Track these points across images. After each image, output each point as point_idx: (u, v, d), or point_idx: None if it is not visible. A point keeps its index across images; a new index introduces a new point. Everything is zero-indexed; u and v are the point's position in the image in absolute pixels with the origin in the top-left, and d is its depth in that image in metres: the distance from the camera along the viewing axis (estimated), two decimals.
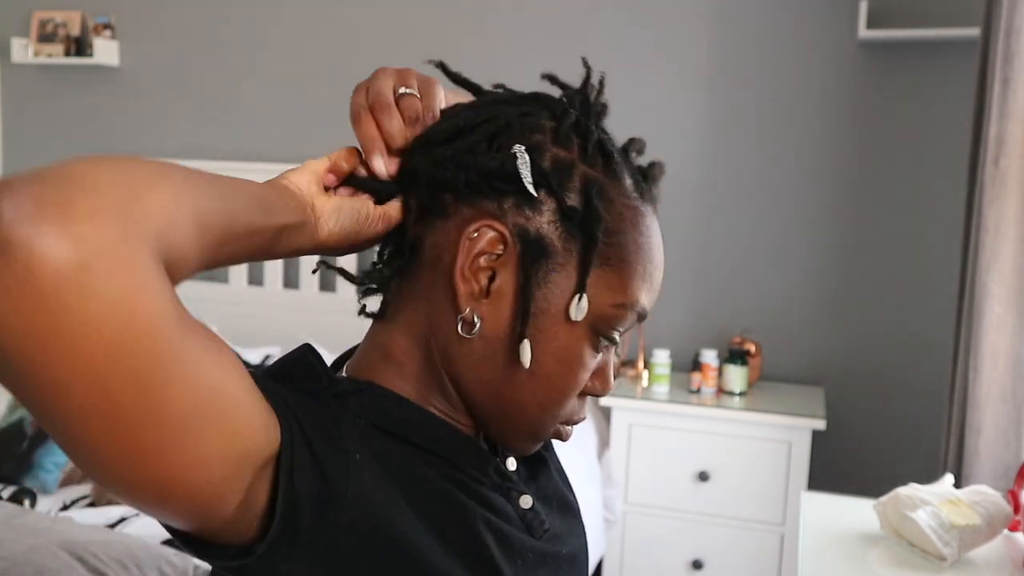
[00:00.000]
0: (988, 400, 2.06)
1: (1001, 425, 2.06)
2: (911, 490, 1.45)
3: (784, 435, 2.48)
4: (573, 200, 0.62)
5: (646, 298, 0.65)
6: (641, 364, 2.78)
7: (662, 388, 2.65)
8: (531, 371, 0.62)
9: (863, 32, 2.57)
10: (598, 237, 0.61)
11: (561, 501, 0.78)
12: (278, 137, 3.26)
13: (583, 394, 0.67)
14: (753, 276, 2.85)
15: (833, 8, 2.71)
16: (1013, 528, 1.49)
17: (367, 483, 0.57)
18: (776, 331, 2.82)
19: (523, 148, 0.61)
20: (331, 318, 3.12)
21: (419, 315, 0.65)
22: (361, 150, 0.65)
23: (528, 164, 0.61)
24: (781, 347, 2.82)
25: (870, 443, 2.76)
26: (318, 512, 0.54)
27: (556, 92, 0.68)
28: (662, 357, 2.66)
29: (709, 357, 2.67)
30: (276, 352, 2.99)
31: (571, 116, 0.64)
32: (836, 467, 2.74)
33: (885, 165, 2.72)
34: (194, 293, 3.31)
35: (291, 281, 3.25)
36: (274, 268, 3.24)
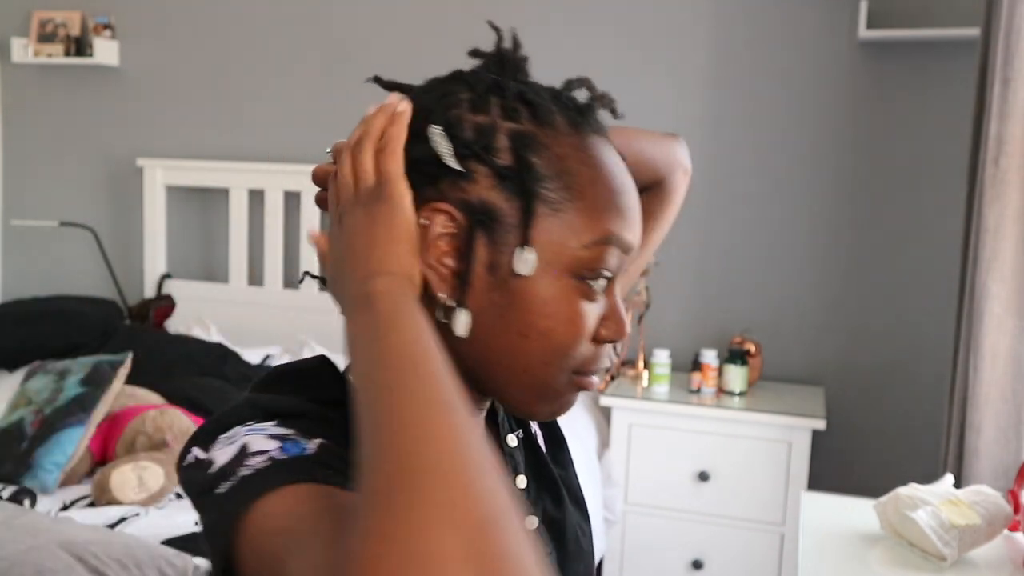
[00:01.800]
0: (988, 400, 2.06)
1: (1001, 425, 2.06)
2: (911, 490, 1.45)
3: (784, 435, 2.48)
4: (505, 159, 0.62)
5: (619, 226, 0.64)
6: (641, 364, 2.78)
7: (662, 388, 2.65)
8: (524, 333, 0.62)
9: (863, 32, 2.57)
10: (534, 189, 0.61)
11: (572, 494, 0.81)
12: (278, 137, 3.26)
13: (597, 341, 0.65)
14: (753, 276, 2.85)
15: (833, 8, 2.71)
16: (1013, 528, 1.49)
17: None
18: (776, 331, 2.82)
19: (437, 127, 0.62)
20: (331, 318, 3.11)
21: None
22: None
23: (445, 140, 0.61)
24: (781, 347, 2.82)
25: (870, 443, 2.76)
26: None
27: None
28: (662, 357, 2.66)
29: (709, 357, 2.67)
30: (276, 352, 3.00)
31: (485, 80, 0.65)
32: (836, 467, 2.74)
33: (885, 165, 2.72)
34: (194, 293, 3.31)
35: (291, 281, 3.25)
36: (274, 268, 3.24)
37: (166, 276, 3.36)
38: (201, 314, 3.22)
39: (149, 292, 3.37)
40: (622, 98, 2.77)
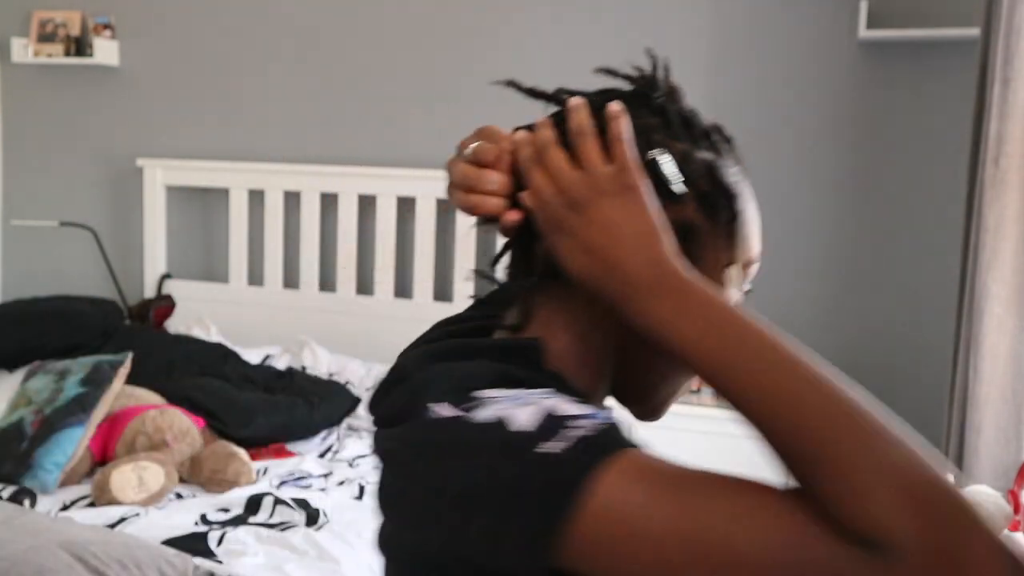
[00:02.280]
0: (988, 400, 2.06)
1: (1001, 425, 2.06)
2: None
3: None
4: (703, 184, 0.67)
5: (759, 243, 0.73)
6: None
7: None
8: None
9: (863, 32, 2.57)
10: (738, 210, 0.69)
11: None
12: (278, 137, 3.26)
13: None
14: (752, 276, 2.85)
15: (833, 8, 2.71)
16: (1013, 528, 1.49)
17: None
18: None
19: (660, 151, 0.65)
20: (331, 318, 3.12)
21: (573, 321, 0.69)
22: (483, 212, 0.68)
23: (671, 163, 0.65)
24: None
25: None
26: None
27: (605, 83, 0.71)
28: None
29: None
30: (276, 352, 3.00)
31: (671, 109, 0.69)
32: None
33: (885, 165, 2.72)
34: (194, 293, 3.31)
35: (291, 281, 3.25)
36: (274, 268, 3.24)
37: (166, 276, 3.36)
38: (201, 314, 3.22)
39: (149, 292, 3.36)
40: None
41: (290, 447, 2.45)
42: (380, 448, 0.66)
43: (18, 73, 3.57)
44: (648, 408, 0.74)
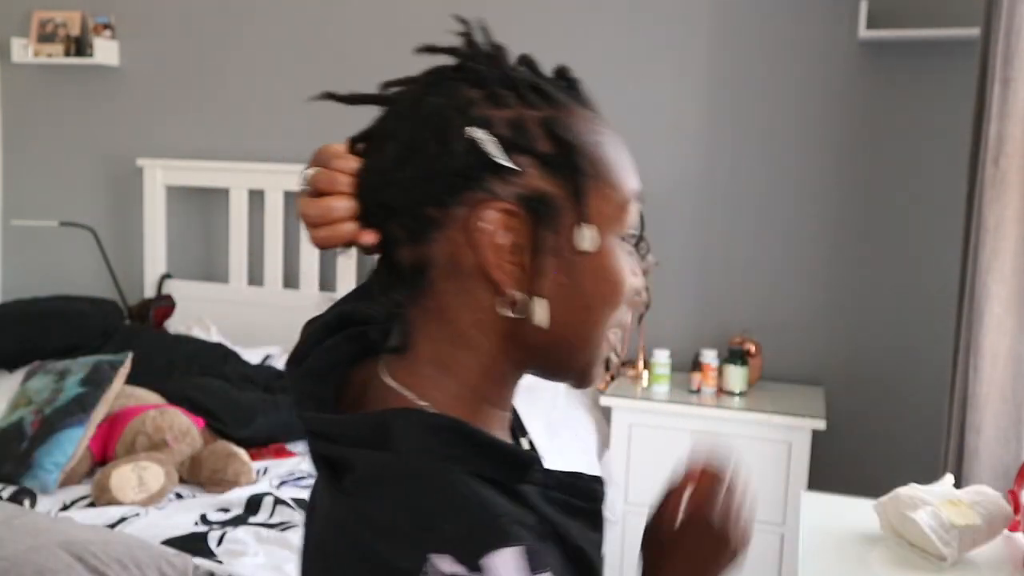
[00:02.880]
0: (988, 400, 2.06)
1: (1001, 425, 2.06)
2: (911, 490, 1.45)
3: (784, 435, 2.48)
4: (544, 146, 0.63)
5: (633, 181, 0.68)
6: (641, 364, 2.78)
7: (662, 388, 2.65)
8: (590, 305, 0.65)
9: (863, 32, 2.57)
10: (580, 167, 0.63)
11: None
12: (278, 137, 3.26)
13: (632, 295, 0.69)
14: (753, 276, 2.85)
15: (833, 8, 2.71)
16: (1013, 528, 1.49)
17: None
18: (776, 331, 2.82)
19: (477, 130, 0.61)
20: None
21: (454, 327, 0.65)
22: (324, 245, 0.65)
23: (491, 140, 0.61)
24: (781, 347, 2.82)
25: (870, 443, 2.76)
26: None
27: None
28: (662, 357, 2.66)
29: (709, 357, 2.67)
30: (276, 352, 3.00)
31: (492, 75, 0.65)
32: (836, 467, 2.74)
33: (885, 165, 2.72)
34: (194, 293, 3.31)
35: (291, 281, 3.25)
36: (274, 268, 3.24)
37: (166, 276, 3.36)
38: (201, 314, 3.22)
39: (149, 292, 3.37)
40: (622, 97, 2.79)
41: (290, 447, 2.45)
42: (333, 507, 0.62)
43: (18, 73, 3.57)
44: (577, 376, 0.69)
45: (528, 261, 0.63)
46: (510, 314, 0.63)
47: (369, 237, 0.64)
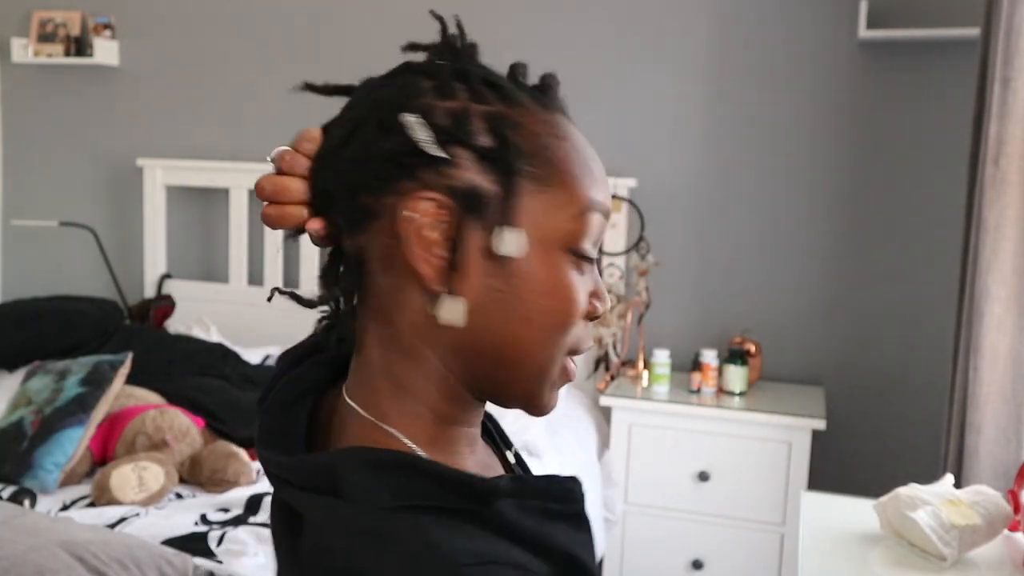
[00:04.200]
0: (988, 400, 2.06)
1: (1001, 425, 2.06)
2: (911, 490, 1.45)
3: (784, 435, 2.48)
4: (485, 141, 0.60)
5: (598, 192, 0.63)
6: (641, 364, 2.78)
7: (662, 388, 2.65)
8: (528, 318, 0.61)
9: (863, 32, 2.57)
10: (518, 166, 0.60)
11: None
12: (278, 137, 3.23)
13: (587, 318, 0.65)
14: (753, 276, 2.85)
15: (833, 8, 2.71)
16: (1013, 528, 1.49)
17: None
18: (776, 331, 2.82)
19: (410, 116, 0.60)
20: None
21: (394, 329, 0.62)
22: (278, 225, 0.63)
23: (423, 127, 0.59)
24: (781, 347, 2.82)
25: (870, 443, 2.76)
26: None
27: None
28: (662, 357, 2.66)
29: (709, 357, 2.67)
30: (276, 352, 2.99)
31: (445, 67, 0.63)
32: (836, 467, 2.74)
33: (885, 165, 2.72)
34: (194, 293, 3.31)
35: (291, 281, 3.25)
36: (274, 268, 3.24)
37: (166, 276, 3.36)
38: (201, 314, 3.22)
39: (149, 292, 3.37)
40: (622, 97, 2.79)
41: None
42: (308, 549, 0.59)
43: (18, 73, 3.57)
44: (523, 399, 0.65)
45: (456, 258, 0.59)
46: (438, 312, 0.60)
47: (315, 224, 0.62)
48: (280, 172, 0.62)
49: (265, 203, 0.63)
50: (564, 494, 0.65)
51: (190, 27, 3.37)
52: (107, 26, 3.41)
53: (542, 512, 0.62)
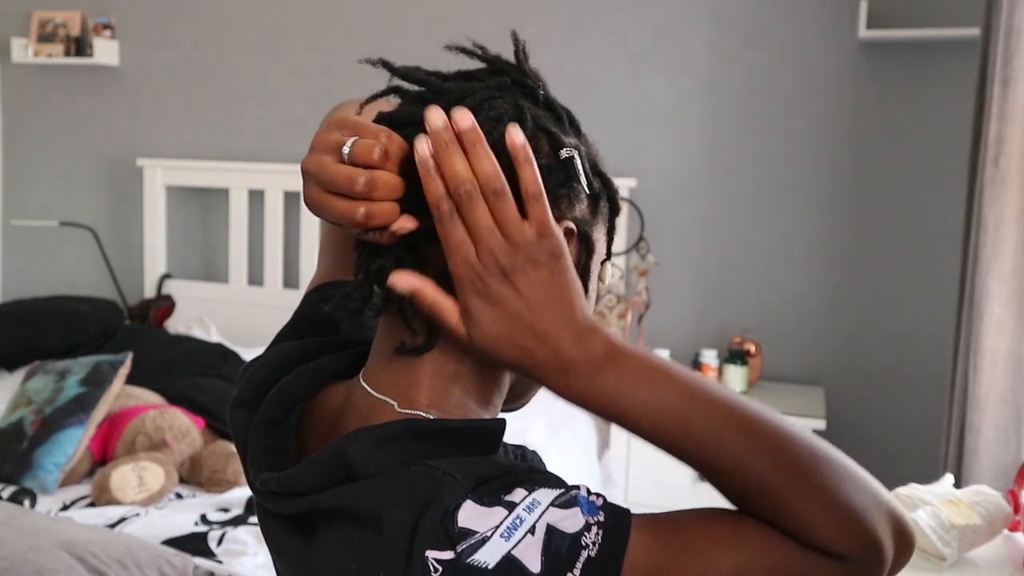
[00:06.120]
0: (988, 400, 2.06)
1: (1001, 425, 2.06)
2: (911, 490, 1.45)
3: None
4: (594, 180, 0.64)
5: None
6: None
7: None
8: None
9: (863, 32, 2.57)
10: (617, 203, 0.67)
11: None
12: (278, 137, 3.26)
13: None
14: (753, 276, 2.85)
15: (833, 8, 2.71)
16: (1013, 528, 1.49)
17: None
18: (776, 331, 2.82)
19: (574, 151, 0.61)
20: None
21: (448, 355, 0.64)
22: (352, 226, 0.58)
23: (582, 163, 0.62)
24: (781, 347, 2.82)
25: (870, 443, 2.76)
26: None
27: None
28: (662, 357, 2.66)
29: (709, 357, 2.67)
30: None
31: (556, 101, 0.65)
32: None
33: (885, 165, 2.72)
34: (194, 293, 3.31)
35: (291, 281, 3.25)
36: (274, 268, 3.24)
37: (166, 276, 3.36)
38: (201, 314, 3.22)
39: (149, 292, 3.37)
40: (621, 99, 2.78)
41: None
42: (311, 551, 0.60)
43: (18, 73, 3.57)
44: (511, 401, 0.70)
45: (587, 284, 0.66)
46: None
47: (409, 224, 0.58)
48: (364, 166, 0.57)
49: (340, 198, 0.57)
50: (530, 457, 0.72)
51: (190, 27, 3.37)
52: (107, 26, 3.41)
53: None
